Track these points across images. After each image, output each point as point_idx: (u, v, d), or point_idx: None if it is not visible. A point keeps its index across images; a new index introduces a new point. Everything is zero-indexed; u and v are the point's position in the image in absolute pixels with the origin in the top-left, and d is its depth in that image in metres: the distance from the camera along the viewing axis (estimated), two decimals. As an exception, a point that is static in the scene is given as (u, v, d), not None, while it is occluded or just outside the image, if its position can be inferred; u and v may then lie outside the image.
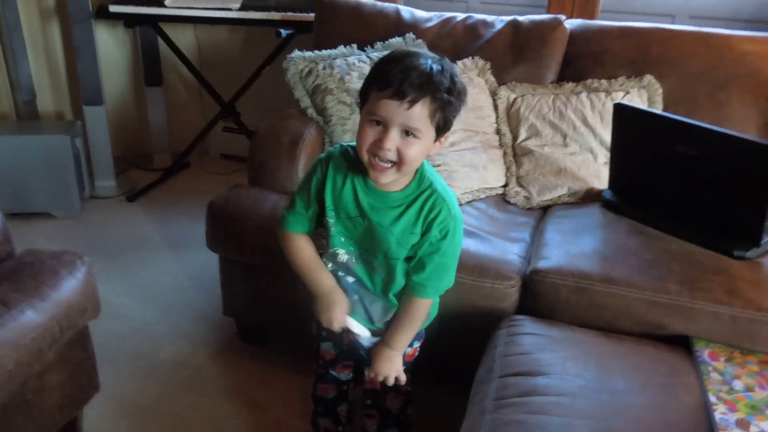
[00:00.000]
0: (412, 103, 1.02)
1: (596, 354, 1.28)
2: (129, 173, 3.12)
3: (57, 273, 1.43)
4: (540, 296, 1.50)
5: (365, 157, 1.08)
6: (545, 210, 1.88)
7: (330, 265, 1.28)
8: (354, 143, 1.14)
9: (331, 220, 1.20)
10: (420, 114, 1.03)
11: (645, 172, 1.71)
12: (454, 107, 1.08)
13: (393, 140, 1.04)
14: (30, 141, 2.56)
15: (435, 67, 1.04)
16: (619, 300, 1.41)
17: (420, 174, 1.15)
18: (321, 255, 1.29)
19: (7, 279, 1.39)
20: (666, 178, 1.64)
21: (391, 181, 1.11)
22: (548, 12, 2.55)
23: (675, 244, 1.55)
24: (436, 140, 1.10)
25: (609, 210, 1.74)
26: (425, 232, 1.15)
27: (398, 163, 1.07)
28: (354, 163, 1.16)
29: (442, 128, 1.08)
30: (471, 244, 1.61)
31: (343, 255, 1.23)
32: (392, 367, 1.27)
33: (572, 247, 1.57)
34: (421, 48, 2.11)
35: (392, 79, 1.02)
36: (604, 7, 2.53)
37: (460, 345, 1.57)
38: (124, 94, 3.24)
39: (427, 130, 1.06)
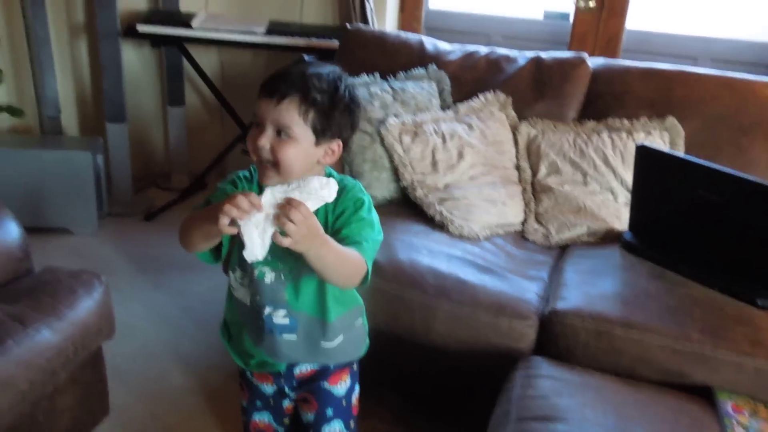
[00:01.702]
0: (281, 99, 1.03)
1: (616, 402, 1.25)
2: (147, 192, 3.14)
3: (74, 292, 1.44)
4: (558, 338, 1.48)
5: (254, 159, 1.08)
6: (564, 249, 1.86)
7: (253, 299, 1.15)
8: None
9: None
10: (288, 110, 1.04)
11: (667, 215, 1.69)
12: (330, 111, 1.06)
13: (266, 137, 1.05)
14: (52, 156, 2.58)
15: (313, 71, 1.07)
16: (639, 346, 1.39)
17: (328, 173, 1.15)
18: (236, 297, 1.19)
19: (26, 296, 1.39)
20: (688, 222, 1.63)
21: (275, 183, 1.05)
22: (570, 50, 2.56)
23: (697, 290, 1.53)
24: (318, 145, 1.08)
25: (629, 252, 1.73)
26: (341, 214, 1.10)
27: (276, 164, 1.06)
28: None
29: (321, 133, 1.07)
30: (488, 281, 1.60)
31: (269, 274, 1.12)
32: (309, 230, 0.96)
33: (592, 288, 1.56)
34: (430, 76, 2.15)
35: (270, 81, 1.06)
36: (626, 46, 2.54)
37: (475, 383, 1.55)
38: (146, 113, 3.27)
39: (301, 131, 1.05)
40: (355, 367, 1.27)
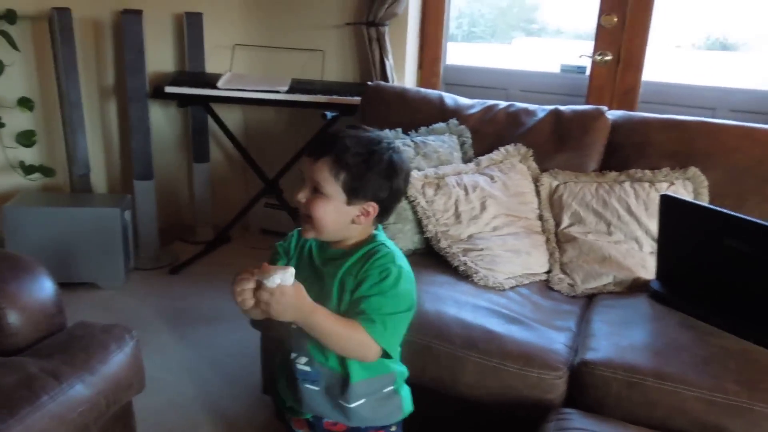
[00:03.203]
0: (317, 159, 1.11)
1: (652, 455, 1.23)
2: (172, 246, 3.19)
3: (106, 347, 1.46)
4: (589, 389, 1.46)
5: (300, 214, 1.16)
6: (590, 298, 1.86)
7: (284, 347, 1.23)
8: None
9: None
10: (321, 169, 1.11)
11: (694, 265, 1.69)
12: (363, 173, 1.11)
13: (303, 193, 1.13)
14: (82, 213, 2.65)
15: (352, 134, 1.13)
16: (673, 397, 1.37)
17: (374, 235, 1.19)
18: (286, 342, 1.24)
19: (59, 352, 1.41)
20: (717, 271, 1.62)
21: (312, 236, 1.16)
22: (587, 102, 2.61)
23: (729, 340, 1.51)
24: (350, 204, 1.12)
25: (657, 301, 1.72)
26: (363, 280, 1.12)
27: (311, 218, 1.12)
28: None
29: (353, 193, 1.11)
30: (515, 331, 1.59)
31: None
32: (283, 305, 1.02)
33: (621, 339, 1.55)
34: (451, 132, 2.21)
35: (314, 141, 1.16)
36: (644, 98, 2.58)
37: (506, 436, 1.53)
38: (172, 169, 3.35)
39: (333, 190, 1.11)
40: (393, 428, 1.27)
